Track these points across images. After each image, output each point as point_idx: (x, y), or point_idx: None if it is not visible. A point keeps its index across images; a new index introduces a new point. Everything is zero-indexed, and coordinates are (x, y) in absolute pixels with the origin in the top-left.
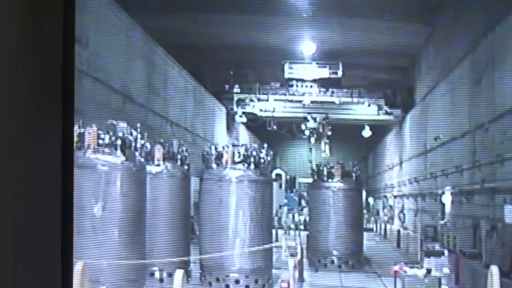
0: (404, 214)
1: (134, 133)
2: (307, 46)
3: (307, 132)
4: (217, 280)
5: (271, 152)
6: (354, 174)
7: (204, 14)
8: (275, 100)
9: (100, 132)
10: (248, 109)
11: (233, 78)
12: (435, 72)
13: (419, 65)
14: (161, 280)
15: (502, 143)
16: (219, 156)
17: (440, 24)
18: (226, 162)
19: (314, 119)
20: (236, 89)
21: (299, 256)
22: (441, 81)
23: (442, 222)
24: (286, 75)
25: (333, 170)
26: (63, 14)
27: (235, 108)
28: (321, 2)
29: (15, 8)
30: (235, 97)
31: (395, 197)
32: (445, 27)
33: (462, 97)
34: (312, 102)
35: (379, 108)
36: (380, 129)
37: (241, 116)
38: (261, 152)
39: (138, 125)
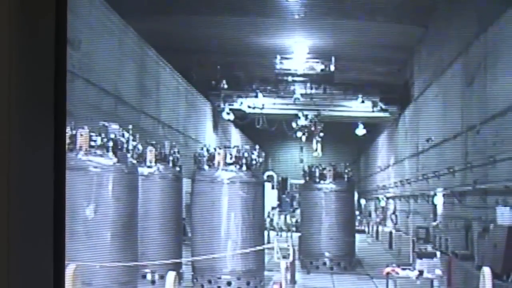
0: (396, 216)
1: (126, 134)
2: (299, 47)
3: (299, 134)
4: (209, 282)
5: (263, 154)
6: (346, 176)
7: (196, 16)
8: (264, 96)
9: (92, 134)
10: (235, 105)
11: (220, 73)
12: (427, 73)
13: (411, 66)
14: (153, 282)
15: (494, 144)
16: (211, 158)
17: (432, 26)
18: (218, 164)
19: (306, 116)
20: (223, 85)
21: (291, 258)
22: (433, 83)
23: (434, 223)
24: (277, 68)
25: (325, 172)
26: (55, 16)
27: (222, 105)
28: (313, 4)
29: (7, 9)
30: (222, 93)
31: (387, 198)
32: (437, 29)
33: (454, 98)
34: (303, 97)
35: (374, 104)
36: (374, 128)
37: (228, 113)
38: (253, 153)
39: (130, 126)
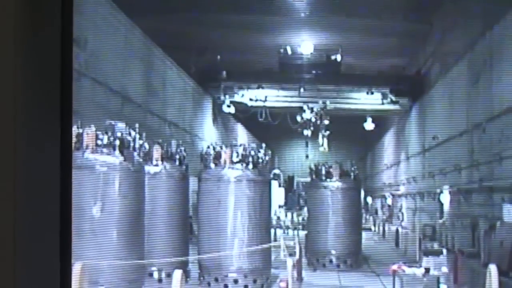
0: (402, 213)
1: (133, 133)
2: (305, 45)
3: (307, 132)
4: (216, 280)
5: (270, 152)
6: (352, 173)
7: (202, 14)
8: (267, 87)
9: (98, 132)
10: (236, 98)
11: (220, 64)
12: (433, 71)
13: (417, 64)
14: (159, 280)
15: (500, 142)
16: (218, 156)
17: (437, 23)
18: (225, 162)
19: (311, 109)
20: (223, 75)
21: (297, 256)
22: (439, 81)
23: (440, 221)
24: (282, 58)
25: (331, 170)
26: (61, 15)
27: (222, 97)
28: (319, 2)
29: (13, 9)
30: (222, 85)
31: (393, 196)
32: (443, 26)
33: (460, 96)
34: (308, 89)
35: (384, 96)
36: (383, 122)
37: (229, 106)
38: (259, 151)
39: (137, 125)
